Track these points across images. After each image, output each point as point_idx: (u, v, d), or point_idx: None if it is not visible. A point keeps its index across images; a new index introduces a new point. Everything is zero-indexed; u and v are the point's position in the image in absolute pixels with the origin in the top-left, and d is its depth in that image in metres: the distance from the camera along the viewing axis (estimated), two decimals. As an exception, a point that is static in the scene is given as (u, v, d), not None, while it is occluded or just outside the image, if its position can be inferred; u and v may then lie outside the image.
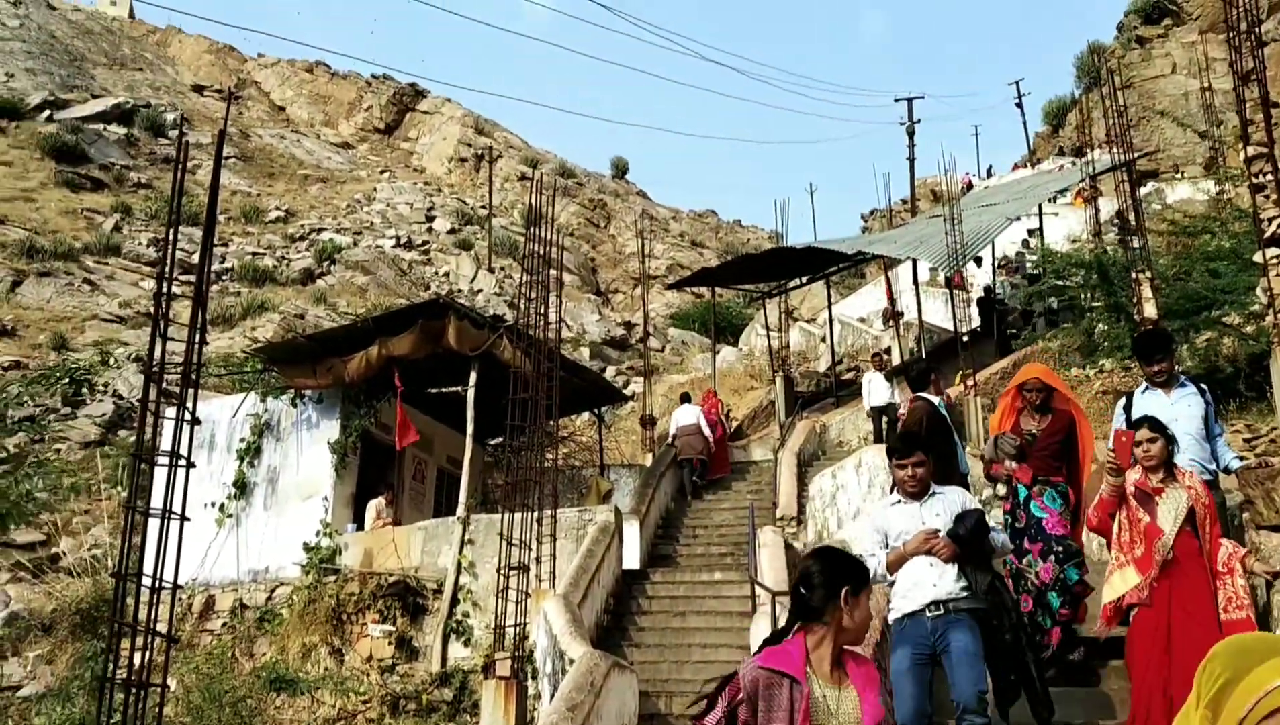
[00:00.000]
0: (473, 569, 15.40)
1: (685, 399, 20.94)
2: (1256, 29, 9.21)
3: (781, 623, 10.77)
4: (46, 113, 41.96)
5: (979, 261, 25.95)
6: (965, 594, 5.58)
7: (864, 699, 3.35)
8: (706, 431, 19.40)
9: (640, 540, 15.75)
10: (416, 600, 15.54)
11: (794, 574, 3.71)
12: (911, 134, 43.68)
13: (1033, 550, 7.02)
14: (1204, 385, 7.10)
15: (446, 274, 39.32)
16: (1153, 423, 6.07)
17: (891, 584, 5.75)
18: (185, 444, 5.25)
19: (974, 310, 25.48)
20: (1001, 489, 7.30)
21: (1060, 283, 19.96)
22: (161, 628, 5.32)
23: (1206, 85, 27.38)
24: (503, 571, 11.27)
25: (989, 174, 44.67)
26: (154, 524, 5.05)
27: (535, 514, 12.67)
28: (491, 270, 39.71)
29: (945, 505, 5.75)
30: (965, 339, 21.44)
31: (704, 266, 32.95)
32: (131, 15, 65.94)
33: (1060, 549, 6.94)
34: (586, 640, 10.61)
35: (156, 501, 5.25)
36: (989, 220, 21.82)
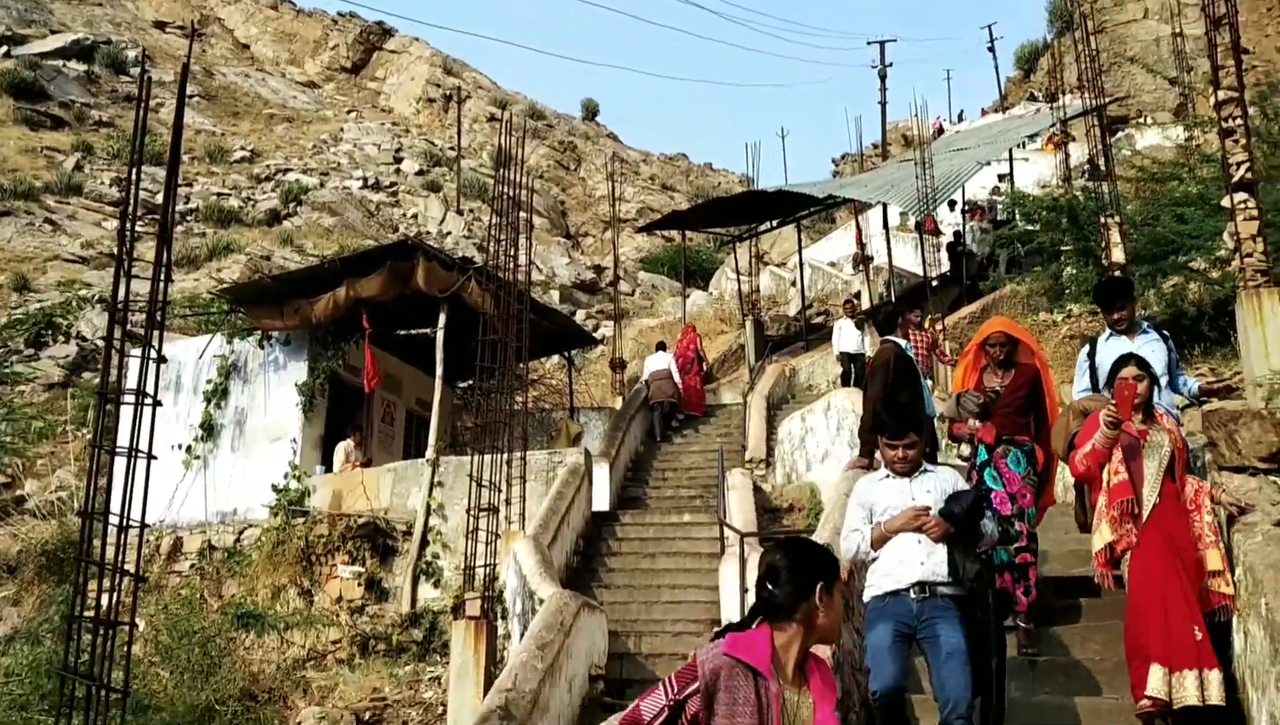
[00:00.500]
0: (442, 511, 15.42)
1: (660, 347, 21.04)
2: (1230, -28, 9.18)
3: (751, 565, 10.85)
4: (4, 49, 40.98)
5: (952, 205, 25.99)
6: (951, 579, 5.32)
7: (819, 708, 3.07)
8: (677, 378, 19.68)
9: (610, 482, 15.82)
10: (386, 542, 15.56)
11: (761, 563, 3.31)
12: (883, 78, 43.39)
13: None
14: (1165, 331, 7.09)
15: (415, 216, 38.95)
16: (1139, 361, 6.04)
17: (873, 562, 5.51)
18: (151, 382, 5.19)
19: (944, 255, 25.54)
20: (965, 450, 6.91)
21: (1029, 228, 20.00)
22: (129, 567, 5.29)
23: (1178, 30, 27.37)
24: (472, 513, 11.29)
25: (960, 118, 44.57)
26: (120, 464, 4.99)
27: (505, 456, 12.67)
28: (460, 212, 39.36)
29: (936, 483, 5.50)
30: (934, 284, 21.53)
31: (674, 210, 32.83)
32: (90, -52, 64.33)
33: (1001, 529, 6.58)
34: (556, 581, 10.68)
35: (123, 441, 5.19)
36: (959, 164, 21.80)
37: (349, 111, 50.08)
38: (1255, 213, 9.20)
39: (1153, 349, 6.69)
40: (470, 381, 18.72)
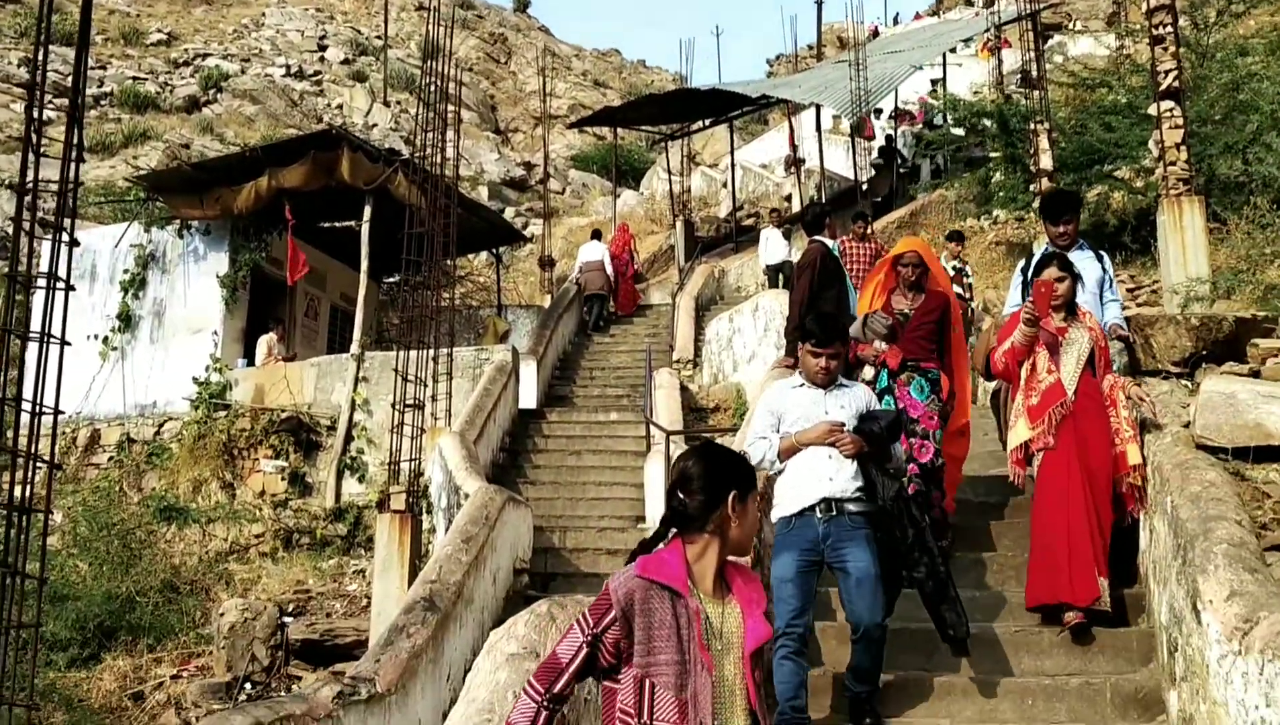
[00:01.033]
0: (367, 406, 15.33)
1: (595, 235, 20.97)
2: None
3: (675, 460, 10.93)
4: (-99, -84, 38.80)
5: (878, 113, 25.96)
6: (860, 494, 5.09)
7: (747, 615, 2.90)
8: (609, 269, 19.64)
9: (537, 380, 15.81)
10: (310, 436, 15.45)
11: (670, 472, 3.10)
12: (820, -23, 42.82)
13: None
14: (1103, 252, 7.03)
15: (340, 107, 37.96)
16: (1062, 261, 6.07)
17: (779, 474, 5.27)
18: (64, 266, 5.03)
19: (874, 158, 25.55)
20: (868, 373, 6.58)
21: (958, 132, 20.05)
22: (45, 455, 5.17)
23: (1113, -62, 27.27)
24: (398, 408, 11.21)
25: (896, 21, 44.30)
26: (33, 350, 4.84)
27: (431, 352, 12.56)
28: (387, 104, 38.44)
29: (852, 399, 5.27)
30: (864, 187, 21.57)
31: (607, 106, 32.37)
32: None
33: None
34: (482, 476, 10.69)
35: (36, 329, 5.03)
36: (893, 68, 21.73)
37: (271, -4, 48.35)
38: (1180, 121, 9.32)
39: (1086, 267, 6.62)
40: (396, 277, 18.49)
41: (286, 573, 13.02)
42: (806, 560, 5.05)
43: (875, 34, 37.91)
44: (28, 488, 5.10)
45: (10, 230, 22.63)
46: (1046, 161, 13.38)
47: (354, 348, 15.95)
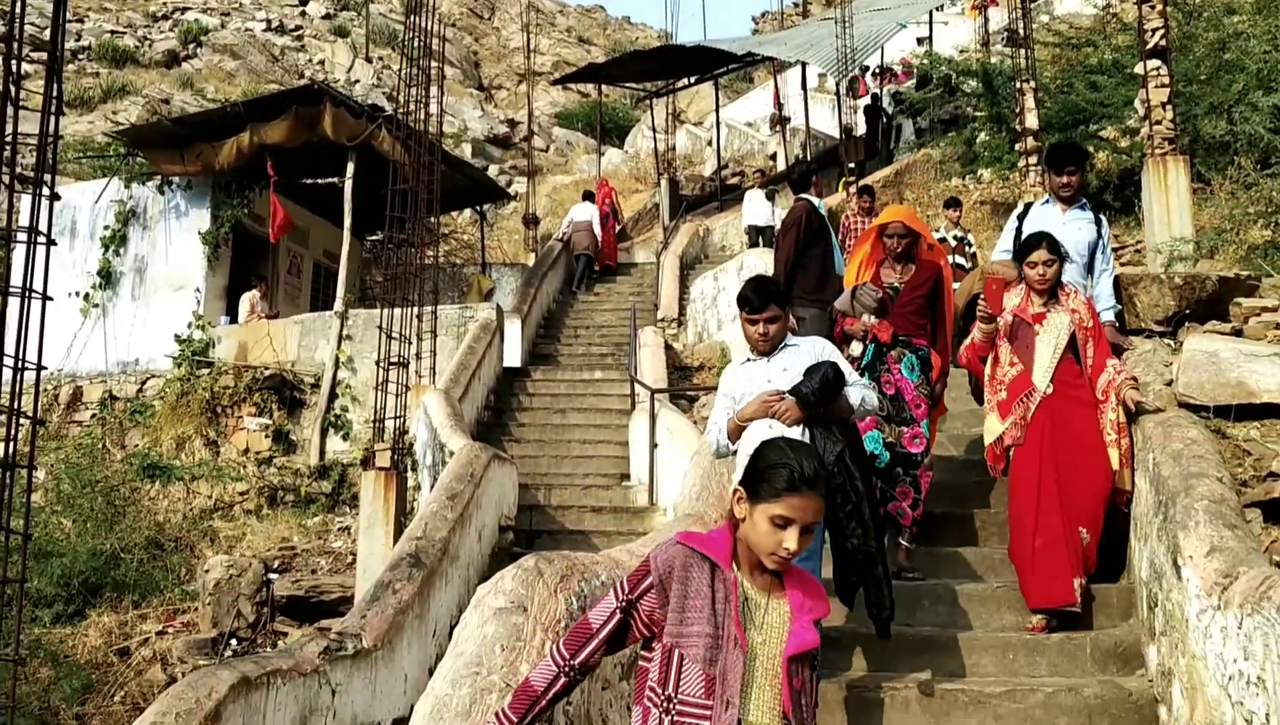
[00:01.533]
0: (351, 364, 15.30)
1: (588, 196, 20.97)
2: None
3: (660, 421, 10.92)
4: None
5: (864, 71, 25.84)
6: None
7: (796, 617, 2.68)
8: (598, 230, 19.69)
9: (522, 339, 15.80)
10: (293, 394, 15.42)
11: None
12: (807, -67, 42.50)
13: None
14: (1102, 216, 6.80)
15: (322, 62, 37.58)
16: (1051, 242, 5.70)
17: (734, 456, 5.01)
18: (45, 221, 4.98)
19: (861, 117, 25.47)
20: (856, 348, 6.20)
21: (942, 91, 19.99)
22: (27, 411, 5.15)
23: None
24: (382, 366, 11.19)
25: (882, -21, 43.96)
26: (14, 306, 4.80)
27: (415, 310, 12.53)
28: (369, 60, 38.06)
29: (796, 359, 4.90)
30: (845, 146, 21.49)
31: (591, 63, 32.14)
32: None
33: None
34: (467, 434, 10.71)
35: (16, 283, 4.98)
36: (879, 26, 21.59)
37: (251, -52, 47.69)
38: (1166, 81, 9.31)
39: (1080, 226, 6.45)
40: (380, 235, 18.40)
41: (271, 530, 13.04)
42: None
43: (862, -9, 37.64)
44: (11, 444, 5.08)
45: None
46: (1032, 121, 13.38)
47: (338, 305, 15.89)
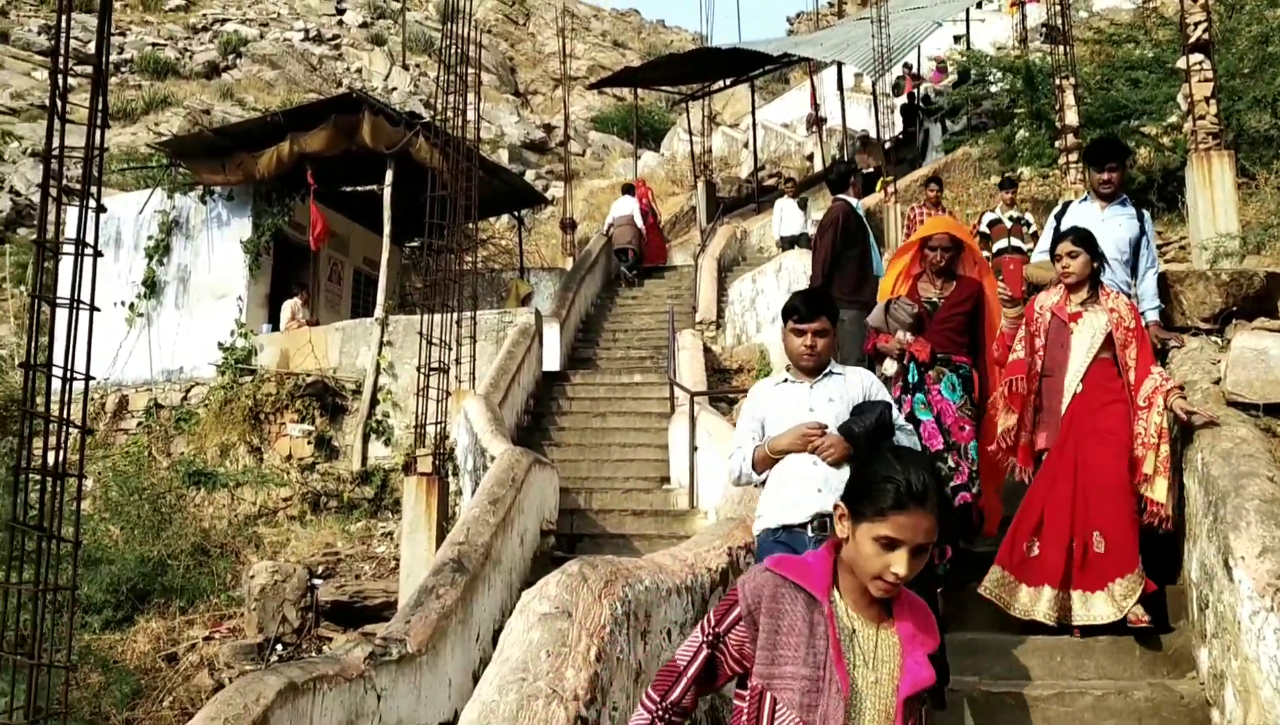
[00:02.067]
0: (391, 370, 15.39)
1: (627, 191, 21.01)
2: None
3: (700, 424, 10.92)
4: (-82, -117, 38.77)
5: (907, 67, 25.70)
6: None
7: (908, 652, 2.40)
8: (640, 223, 19.80)
9: (560, 343, 15.84)
10: (335, 400, 15.54)
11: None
12: (841, -67, 42.35)
13: None
14: (1145, 211, 6.59)
15: (359, 71, 37.87)
16: (1077, 235, 5.51)
17: (760, 486, 4.55)
18: (91, 232, 5.04)
19: (898, 117, 25.34)
20: (890, 367, 5.82)
21: (980, 88, 19.84)
22: (76, 419, 5.22)
23: (1140, -112, 26.74)
24: (422, 371, 11.26)
25: (917, -22, 43.73)
26: (62, 316, 4.87)
27: (455, 315, 12.59)
28: (406, 67, 38.32)
29: (843, 390, 4.49)
30: (888, 146, 21.39)
31: (626, 67, 32.16)
32: None
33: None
34: (507, 438, 10.74)
35: (64, 294, 5.06)
36: (916, 24, 21.47)
37: (289, -41, 48.16)
38: (1209, 75, 9.19)
39: (1120, 222, 6.25)
40: (418, 241, 18.51)
41: (315, 535, 13.15)
42: None
43: (897, -11, 37.47)
44: (60, 453, 5.15)
45: (36, 198, 22.80)
46: (1072, 117, 13.24)
47: (378, 312, 16.01)
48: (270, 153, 16.19)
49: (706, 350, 14.96)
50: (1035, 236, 11.44)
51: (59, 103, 5.09)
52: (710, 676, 2.48)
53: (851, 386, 4.51)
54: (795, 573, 2.44)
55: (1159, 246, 10.70)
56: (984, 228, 11.72)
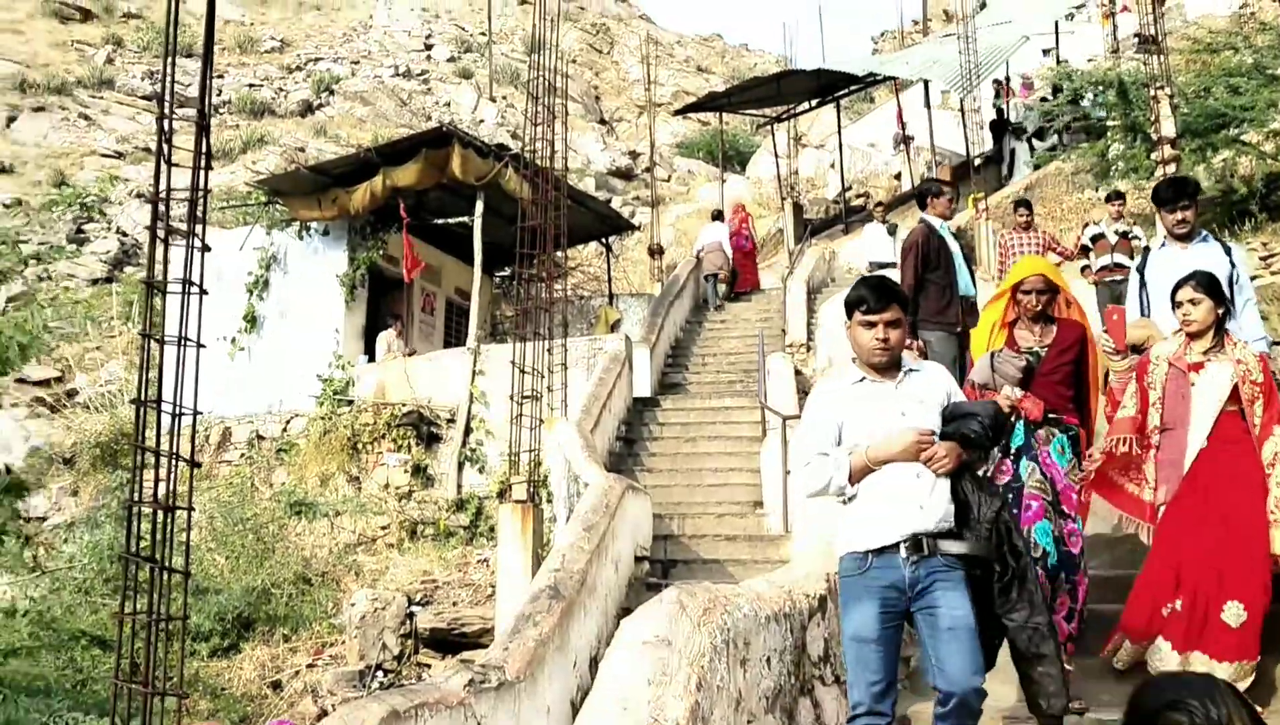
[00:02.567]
0: (485, 398, 15.57)
1: (717, 216, 21.09)
2: None
3: (792, 447, 10.84)
4: (29, -60, 40.54)
5: (1006, 78, 25.44)
6: (949, 528, 3.87)
7: None
8: (727, 249, 19.91)
9: (650, 368, 15.87)
10: (430, 430, 15.76)
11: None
12: (924, -50, 42.04)
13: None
14: (1230, 243, 6.20)
15: (448, 104, 38.58)
16: (1199, 280, 5.04)
17: (848, 501, 3.98)
18: (197, 271, 5.21)
19: (986, 133, 25.03)
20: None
21: (1071, 106, 19.52)
22: (184, 452, 5.38)
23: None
24: (515, 400, 11.37)
25: (1003, -8, 43.23)
26: (170, 353, 5.03)
27: (545, 343, 12.71)
28: (493, 99, 38.94)
29: (928, 389, 4.04)
30: (978, 163, 21.12)
31: (710, 92, 32.26)
32: None
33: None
34: (600, 465, 10.78)
35: (171, 331, 5.23)
36: (1004, 39, 21.24)
37: (378, -2, 49.27)
38: (1314, 81, 8.93)
39: (1205, 263, 5.72)
40: (508, 270, 18.74)
41: (413, 563, 13.34)
42: (889, 613, 3.84)
43: (983, 5, 37.09)
44: (170, 485, 5.31)
45: (142, 237, 23.54)
46: (1169, 128, 12.96)
47: (470, 341, 16.22)
48: (364, 188, 16.54)
49: (797, 373, 14.87)
50: (1147, 252, 11.06)
51: (165, 148, 5.28)
52: None
53: (935, 386, 4.08)
54: None
55: (1264, 257, 10.41)
56: (1086, 241, 11.37)
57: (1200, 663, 4.74)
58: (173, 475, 5.37)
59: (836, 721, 4.88)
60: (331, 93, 36.39)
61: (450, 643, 11.07)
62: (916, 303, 7.65)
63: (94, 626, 10.07)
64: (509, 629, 7.12)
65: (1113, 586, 5.73)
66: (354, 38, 42.96)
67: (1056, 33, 26.34)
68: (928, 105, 23.23)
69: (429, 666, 10.83)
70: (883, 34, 47.72)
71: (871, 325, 3.98)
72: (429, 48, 43.22)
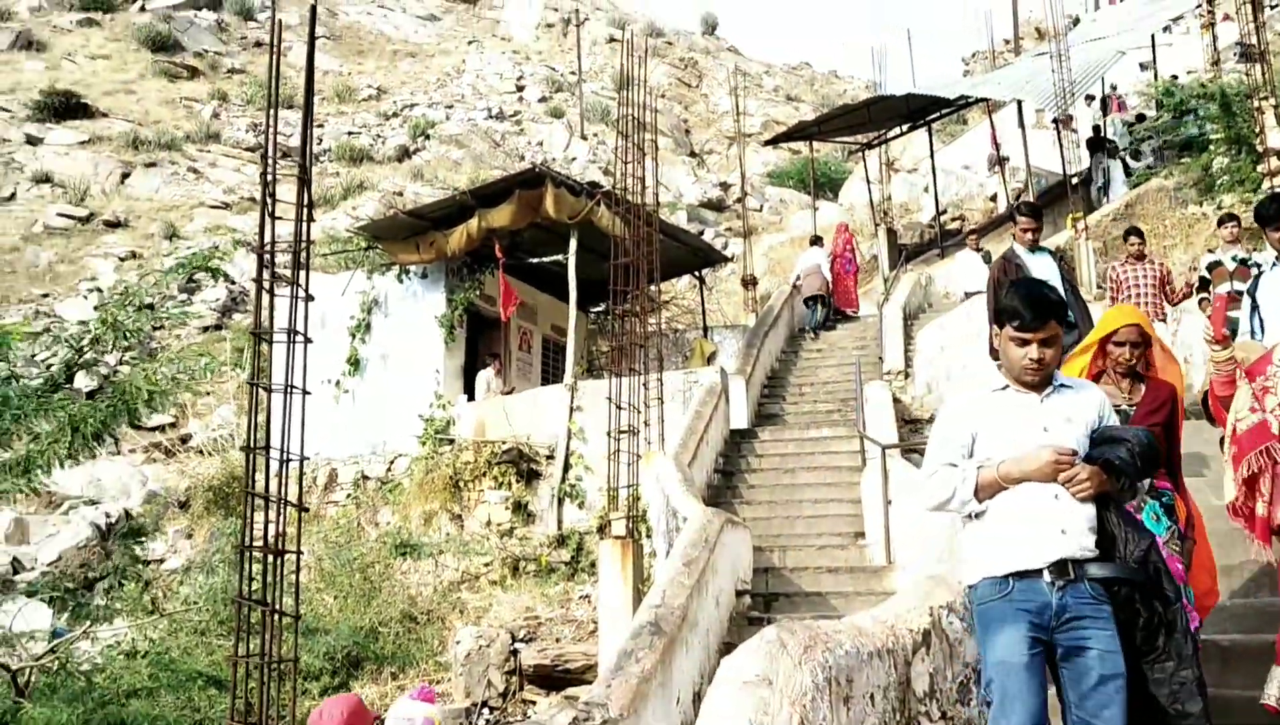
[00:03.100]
0: (582, 434, 15.68)
1: (815, 241, 21.09)
2: None
3: (893, 477, 10.72)
4: (138, 4, 42.31)
5: (1114, 87, 25.03)
6: (1095, 554, 3.55)
7: None
8: (826, 273, 19.97)
9: (746, 399, 15.82)
10: (530, 466, 15.91)
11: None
12: (1014, -31, 41.57)
13: None
14: None
15: (540, 143, 39.15)
16: None
17: (977, 518, 3.71)
18: (301, 321, 5.37)
19: (1083, 151, 24.57)
20: None
21: (1172, 118, 19.09)
22: (292, 497, 5.52)
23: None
24: (612, 435, 11.44)
25: (1097, 6, 42.52)
26: (277, 400, 5.20)
27: (641, 378, 12.77)
28: (584, 137, 39.40)
29: (1078, 408, 3.72)
30: (1074, 181, 20.74)
31: (800, 121, 32.24)
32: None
33: None
34: (698, 498, 10.77)
35: (277, 378, 5.39)
36: (1098, 55, 20.86)
37: (470, 42, 50.35)
38: None
39: None
40: (603, 306, 18.90)
41: (516, 600, 13.45)
42: (1039, 639, 3.53)
43: (1076, 21, 36.50)
44: (279, 528, 5.46)
45: (249, 285, 24.23)
46: (1276, 139, 12.61)
47: (567, 378, 16.37)
48: (460, 230, 16.84)
49: (896, 401, 14.71)
50: (1259, 272, 10.54)
51: (269, 202, 5.47)
52: None
53: (1086, 404, 3.76)
54: None
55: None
56: (1203, 271, 10.86)
57: None
58: (282, 519, 5.53)
59: (944, 759, 4.79)
60: (427, 137, 37.19)
61: (554, 679, 11.13)
62: None
63: (210, 667, 10.32)
64: (611, 666, 7.14)
65: (1234, 657, 5.35)
66: (448, 83, 43.89)
67: (1154, 46, 25.80)
68: (1021, 125, 22.89)
69: (533, 703, 10.90)
70: (973, 54, 47.22)
71: (1024, 342, 3.69)
72: (520, 89, 43.94)
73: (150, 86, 36.99)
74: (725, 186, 37.79)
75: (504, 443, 15.96)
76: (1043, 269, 7.64)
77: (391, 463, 17.02)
